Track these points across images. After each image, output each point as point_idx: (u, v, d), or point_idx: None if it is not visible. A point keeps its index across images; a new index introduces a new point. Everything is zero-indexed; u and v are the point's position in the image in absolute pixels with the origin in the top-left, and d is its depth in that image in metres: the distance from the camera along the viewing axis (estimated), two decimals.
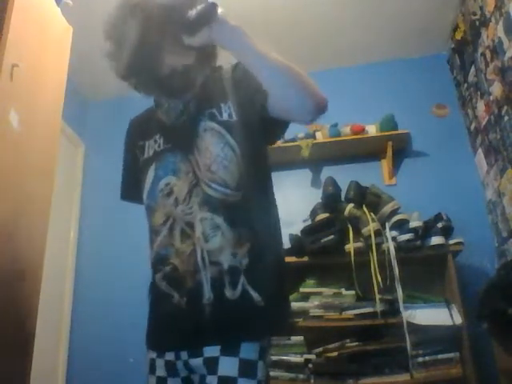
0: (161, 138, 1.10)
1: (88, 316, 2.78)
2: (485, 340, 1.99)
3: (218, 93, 1.09)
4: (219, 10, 0.97)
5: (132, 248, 2.63)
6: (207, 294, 0.95)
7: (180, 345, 0.98)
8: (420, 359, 2.09)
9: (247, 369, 0.91)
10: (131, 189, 1.20)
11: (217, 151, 1.01)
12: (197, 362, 0.95)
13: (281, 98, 0.98)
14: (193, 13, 0.95)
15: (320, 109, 0.99)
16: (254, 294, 0.95)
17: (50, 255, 1.73)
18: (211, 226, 0.98)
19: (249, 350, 0.93)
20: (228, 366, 0.91)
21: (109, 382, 2.57)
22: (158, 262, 1.04)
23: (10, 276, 1.43)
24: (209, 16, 0.95)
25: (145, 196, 1.09)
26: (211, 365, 0.92)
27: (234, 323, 0.94)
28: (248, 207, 1.01)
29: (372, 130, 2.75)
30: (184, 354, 0.97)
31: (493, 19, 2.20)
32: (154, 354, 1.04)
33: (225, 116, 1.05)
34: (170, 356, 1.00)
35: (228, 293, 0.95)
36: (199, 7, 0.95)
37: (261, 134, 1.07)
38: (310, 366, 2.17)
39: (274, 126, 1.08)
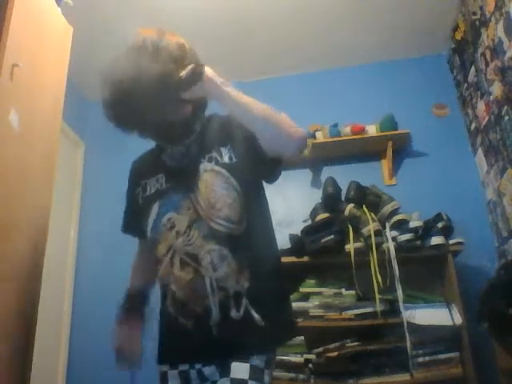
0: (163, 177, 1.23)
1: (88, 316, 2.78)
2: (485, 340, 1.99)
3: (217, 138, 1.23)
4: (205, 70, 1.11)
5: (132, 248, 2.63)
6: (215, 316, 1.06)
7: (193, 358, 1.09)
8: (420, 359, 2.09)
9: (256, 373, 1.03)
10: (132, 224, 1.34)
11: (220, 191, 1.13)
12: (210, 369, 1.08)
13: (263, 140, 1.11)
14: (184, 73, 1.11)
15: (300, 144, 1.14)
16: (255, 315, 1.07)
17: (50, 255, 1.73)
18: (219, 256, 1.09)
19: (257, 359, 1.05)
20: (240, 370, 1.02)
21: (108, 383, 2.57)
22: (164, 288, 1.16)
23: (10, 276, 1.43)
24: (197, 75, 1.11)
25: (149, 230, 1.20)
26: (224, 369, 1.04)
27: (238, 341, 1.05)
28: (250, 237, 1.14)
29: (372, 130, 2.75)
30: (197, 363, 1.09)
31: (493, 19, 2.20)
32: (166, 367, 1.15)
33: (225, 159, 1.18)
34: (184, 366, 1.11)
35: (233, 314, 1.06)
36: (189, 68, 1.12)
37: (258, 172, 1.21)
38: (310, 365, 2.17)
39: (270, 165, 1.20)
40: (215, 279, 1.08)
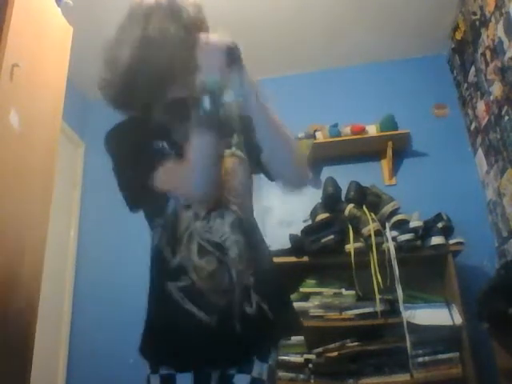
0: (166, 144, 1.07)
1: (88, 316, 2.78)
2: (485, 340, 1.99)
3: (233, 124, 1.08)
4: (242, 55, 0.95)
5: (132, 248, 2.64)
6: (237, 311, 0.99)
7: (224, 361, 1.00)
8: (420, 359, 2.09)
9: (271, 374, 1.01)
10: (144, 195, 1.03)
11: (243, 179, 1.08)
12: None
13: (274, 166, 1.05)
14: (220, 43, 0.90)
15: (302, 186, 1.08)
16: (265, 307, 1.01)
17: (50, 255, 1.73)
18: (244, 247, 1.03)
19: (273, 358, 1.03)
20: (260, 370, 0.99)
21: (109, 383, 2.57)
22: (179, 271, 1.01)
23: (10, 276, 1.43)
24: (233, 57, 0.92)
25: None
26: (245, 367, 0.99)
27: (257, 336, 1.00)
28: (255, 230, 1.11)
29: (372, 129, 2.75)
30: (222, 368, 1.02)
31: (493, 19, 2.20)
32: (172, 369, 1.01)
33: (242, 146, 1.12)
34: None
35: (248, 309, 1.00)
36: (225, 41, 0.91)
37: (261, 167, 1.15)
38: (310, 365, 2.17)
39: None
40: (240, 272, 1.01)
